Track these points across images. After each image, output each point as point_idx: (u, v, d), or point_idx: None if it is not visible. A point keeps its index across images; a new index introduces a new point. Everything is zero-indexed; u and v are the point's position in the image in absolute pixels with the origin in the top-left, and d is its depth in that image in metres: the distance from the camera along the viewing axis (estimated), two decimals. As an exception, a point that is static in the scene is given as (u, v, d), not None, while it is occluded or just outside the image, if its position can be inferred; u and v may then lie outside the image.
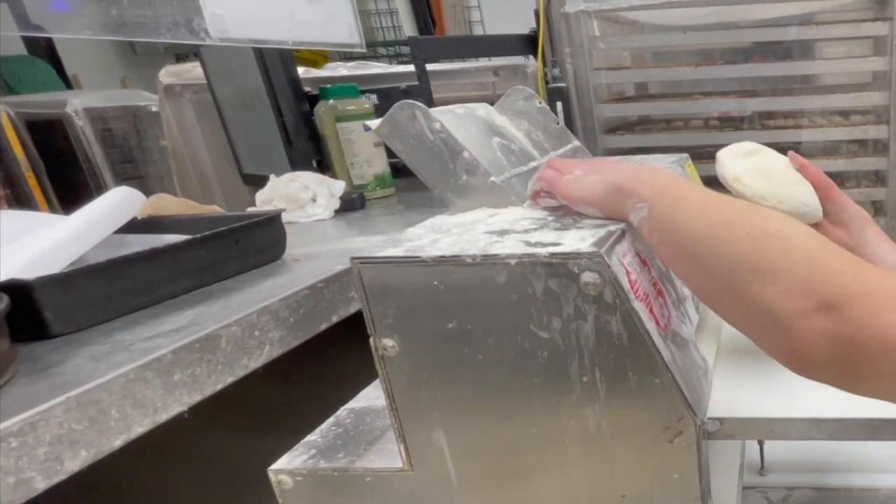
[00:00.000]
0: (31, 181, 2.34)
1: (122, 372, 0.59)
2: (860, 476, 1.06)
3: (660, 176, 0.61)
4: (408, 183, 1.50)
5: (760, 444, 1.09)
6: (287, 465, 0.71)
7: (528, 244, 0.60)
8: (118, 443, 0.58)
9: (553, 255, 0.58)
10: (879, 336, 0.47)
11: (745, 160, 0.82)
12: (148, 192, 0.98)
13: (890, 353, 0.47)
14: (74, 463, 0.55)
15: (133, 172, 2.61)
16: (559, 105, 1.61)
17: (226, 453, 0.89)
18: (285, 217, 1.23)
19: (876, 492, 1.04)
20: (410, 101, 0.72)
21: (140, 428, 0.60)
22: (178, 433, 0.67)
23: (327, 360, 0.96)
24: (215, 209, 1.05)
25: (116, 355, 0.62)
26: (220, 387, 0.68)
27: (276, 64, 1.38)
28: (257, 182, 1.34)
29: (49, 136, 2.46)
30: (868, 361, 0.48)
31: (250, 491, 0.75)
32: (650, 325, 0.60)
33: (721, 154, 0.83)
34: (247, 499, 0.82)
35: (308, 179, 1.29)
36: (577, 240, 0.60)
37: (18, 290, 0.65)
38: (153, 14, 0.89)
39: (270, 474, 0.70)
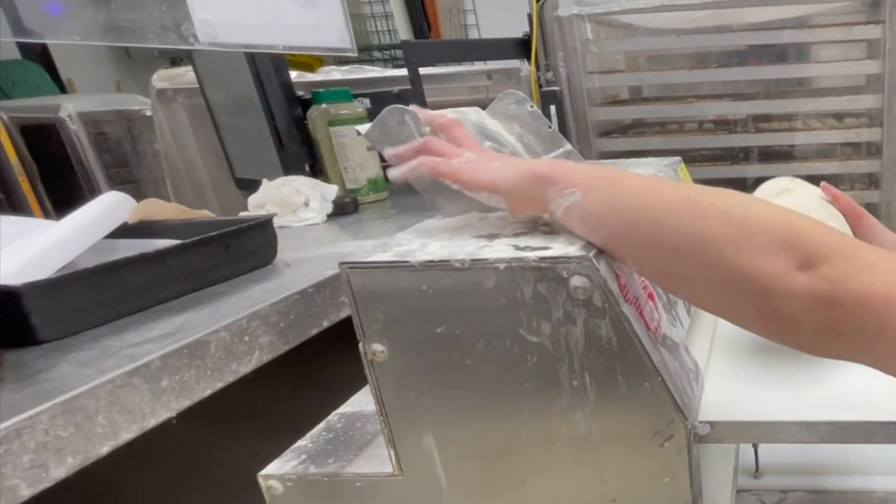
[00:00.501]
0: (25, 185, 2.34)
1: (109, 378, 0.58)
2: (856, 478, 1.06)
3: (581, 164, 0.60)
4: (401, 186, 1.49)
5: (755, 446, 1.09)
6: (277, 471, 0.70)
7: (517, 248, 0.60)
8: (105, 449, 0.58)
9: (542, 259, 0.58)
10: (856, 292, 0.48)
11: (774, 200, 0.82)
12: (142, 197, 0.98)
13: (867, 307, 0.48)
14: (60, 470, 0.54)
15: (127, 176, 2.61)
16: (553, 108, 1.61)
17: (216, 458, 0.89)
18: (277, 221, 1.23)
19: (872, 494, 1.03)
20: (400, 105, 0.72)
21: (127, 434, 0.60)
22: (167, 438, 0.67)
23: (319, 364, 0.96)
24: (206, 214, 1.04)
25: (104, 361, 0.62)
26: (209, 392, 0.68)
27: (268, 68, 1.38)
28: (250, 186, 1.34)
29: (43, 141, 2.46)
30: (845, 317, 0.49)
31: (240, 496, 0.75)
32: (640, 329, 0.60)
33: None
34: (237, 504, 0.81)
35: (300, 184, 1.29)
36: (566, 244, 0.60)
37: (6, 296, 0.64)
38: (142, 19, 0.89)
39: (260, 480, 0.70)
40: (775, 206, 0.53)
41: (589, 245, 0.59)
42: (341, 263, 0.60)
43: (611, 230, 0.57)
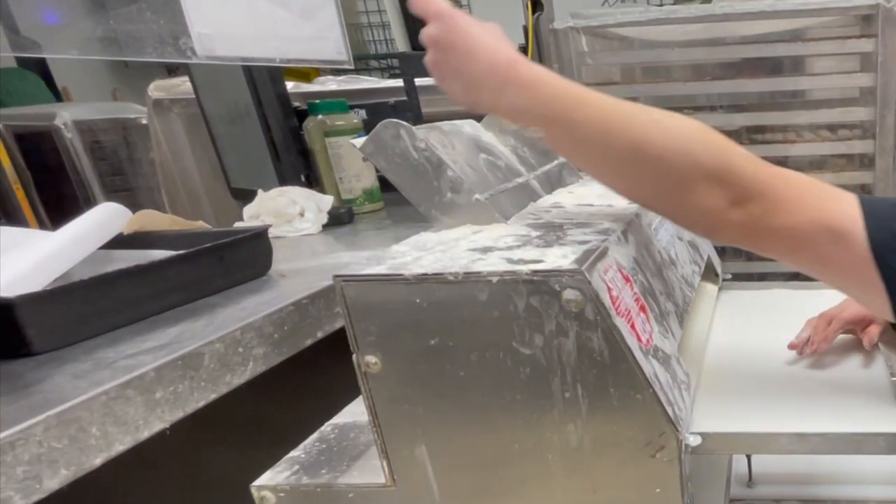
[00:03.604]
0: (20, 194, 2.33)
1: (104, 390, 0.59)
2: (848, 488, 1.07)
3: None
4: (397, 197, 1.48)
5: (748, 456, 1.09)
6: (270, 481, 0.70)
7: (511, 261, 0.60)
8: (98, 461, 0.58)
9: (535, 272, 0.58)
10: (774, 227, 0.66)
11: None
12: (137, 206, 0.98)
13: (779, 234, 0.66)
14: (53, 482, 0.55)
15: (122, 185, 2.59)
16: (548, 120, 1.61)
17: (210, 469, 0.88)
18: (272, 232, 1.23)
19: (864, 503, 1.04)
20: (395, 119, 0.73)
21: (121, 446, 0.60)
22: (161, 449, 0.67)
23: (313, 375, 0.96)
24: (202, 225, 1.04)
25: (98, 373, 0.62)
26: (202, 404, 0.68)
27: (265, 79, 1.38)
28: (245, 196, 1.34)
29: (38, 149, 2.45)
30: (766, 237, 0.67)
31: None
32: (631, 341, 0.60)
33: None
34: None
35: (296, 194, 1.29)
36: (559, 257, 0.61)
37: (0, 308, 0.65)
38: (139, 32, 0.89)
39: (253, 490, 0.70)
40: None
41: (582, 258, 0.60)
42: (335, 276, 0.61)
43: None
